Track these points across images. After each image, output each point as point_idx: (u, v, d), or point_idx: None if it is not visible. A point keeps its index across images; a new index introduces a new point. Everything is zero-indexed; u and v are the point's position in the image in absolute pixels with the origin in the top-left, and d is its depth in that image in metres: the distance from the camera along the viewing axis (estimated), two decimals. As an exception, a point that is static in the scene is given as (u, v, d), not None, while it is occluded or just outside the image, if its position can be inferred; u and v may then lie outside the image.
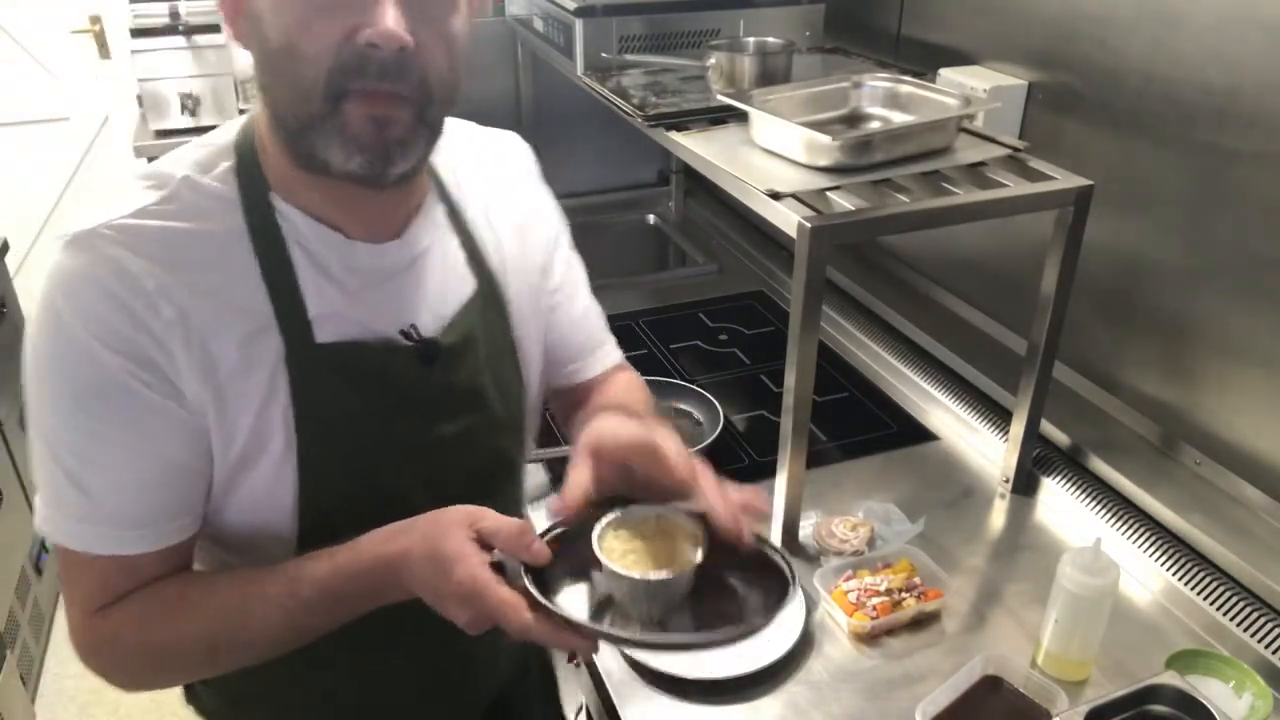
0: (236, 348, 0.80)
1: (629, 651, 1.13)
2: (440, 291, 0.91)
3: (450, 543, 0.77)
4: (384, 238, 0.87)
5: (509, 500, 1.05)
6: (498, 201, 0.99)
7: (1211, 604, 1.19)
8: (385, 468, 0.89)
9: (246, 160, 0.83)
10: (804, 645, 1.17)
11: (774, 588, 0.83)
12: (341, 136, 0.76)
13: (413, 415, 0.89)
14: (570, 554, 0.82)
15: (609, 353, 1.14)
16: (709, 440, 1.52)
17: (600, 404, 1.05)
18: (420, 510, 0.81)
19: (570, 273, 1.09)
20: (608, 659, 1.17)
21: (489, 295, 0.95)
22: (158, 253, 0.78)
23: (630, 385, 1.13)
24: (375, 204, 0.85)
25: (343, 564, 0.81)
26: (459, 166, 0.97)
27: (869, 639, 1.19)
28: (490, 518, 0.79)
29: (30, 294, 2.78)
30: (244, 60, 3.52)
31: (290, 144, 0.80)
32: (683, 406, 1.66)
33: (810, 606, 1.22)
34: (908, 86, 1.39)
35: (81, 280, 0.77)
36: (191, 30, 3.39)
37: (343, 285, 0.85)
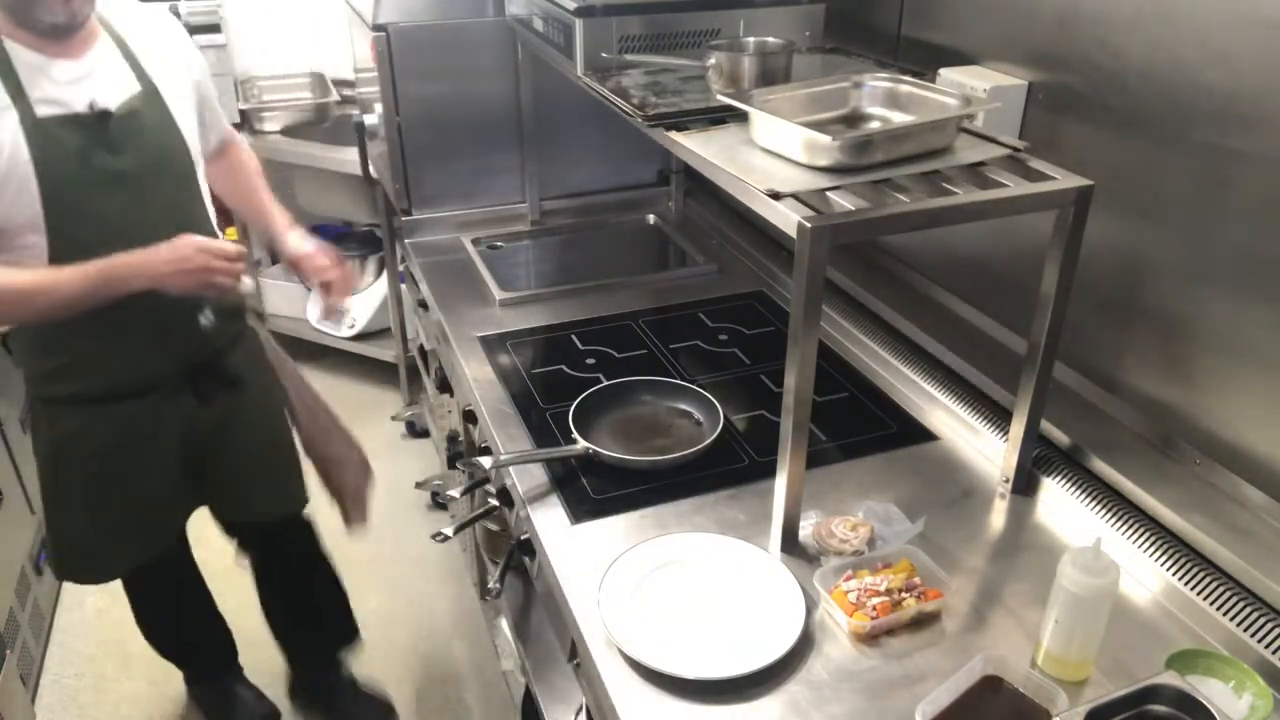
0: None
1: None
2: (113, 88, 1.53)
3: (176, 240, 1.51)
4: (71, 58, 1.49)
5: (201, 220, 1.68)
6: (152, 38, 1.63)
7: (1211, 604, 1.19)
8: (90, 181, 1.50)
9: None
10: (804, 645, 1.18)
11: None
12: (44, 6, 1.41)
13: (101, 151, 1.50)
14: None
15: (227, 131, 1.91)
16: (709, 440, 1.52)
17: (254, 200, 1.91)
18: (133, 187, 1.54)
19: (207, 85, 1.77)
20: (609, 659, 1.17)
21: (148, 90, 1.58)
22: None
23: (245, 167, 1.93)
24: (63, 39, 1.47)
25: (91, 268, 1.47)
26: (128, 22, 1.61)
27: (869, 639, 1.19)
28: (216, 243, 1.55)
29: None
30: (244, 61, 3.52)
31: (9, 14, 1.42)
32: (683, 406, 1.67)
33: (810, 606, 1.22)
34: (908, 86, 1.39)
35: None
36: (192, 30, 3.38)
37: (51, 84, 1.46)
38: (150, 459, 1.74)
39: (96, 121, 1.49)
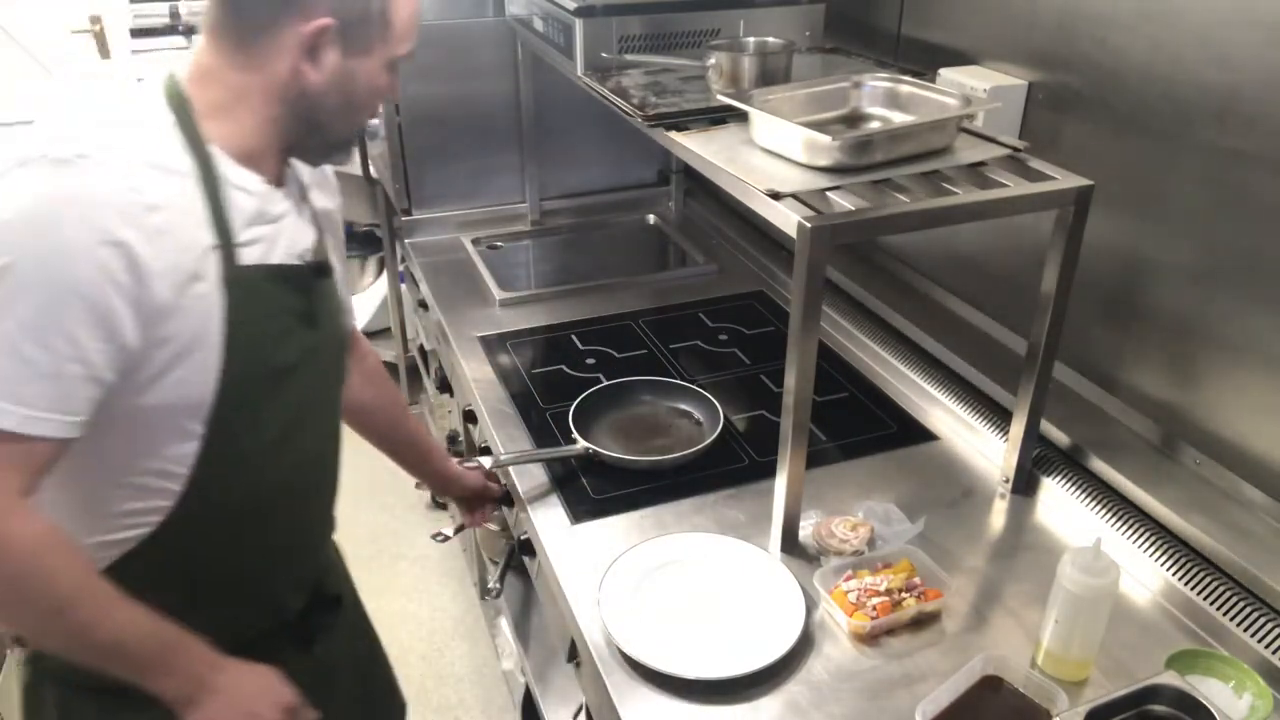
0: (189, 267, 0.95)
1: None
2: (304, 230, 1.12)
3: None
4: (276, 182, 1.08)
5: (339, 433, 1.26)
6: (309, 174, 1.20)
7: (1211, 604, 1.19)
8: (278, 362, 1.06)
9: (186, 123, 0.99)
10: (804, 645, 1.18)
11: None
12: (351, 147, 1.17)
13: (297, 321, 1.08)
14: None
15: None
16: (709, 440, 1.52)
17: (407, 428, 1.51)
18: (308, 383, 1.11)
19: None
20: (609, 659, 1.17)
21: (318, 236, 1.16)
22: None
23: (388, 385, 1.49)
24: (283, 165, 1.09)
25: (181, 641, 1.02)
26: None
27: (869, 639, 1.19)
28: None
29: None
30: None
31: (311, 148, 1.09)
32: (683, 406, 1.66)
33: (810, 606, 1.22)
34: (908, 86, 1.39)
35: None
36: (191, 30, 3.39)
37: (259, 220, 1.03)
38: None
39: (309, 277, 1.09)
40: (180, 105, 0.99)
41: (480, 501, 1.61)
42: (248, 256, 1.00)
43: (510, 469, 1.52)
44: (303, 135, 1.05)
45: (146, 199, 0.91)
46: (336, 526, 1.32)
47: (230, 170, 1.00)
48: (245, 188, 1.01)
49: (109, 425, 0.94)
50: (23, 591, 0.92)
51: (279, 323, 1.06)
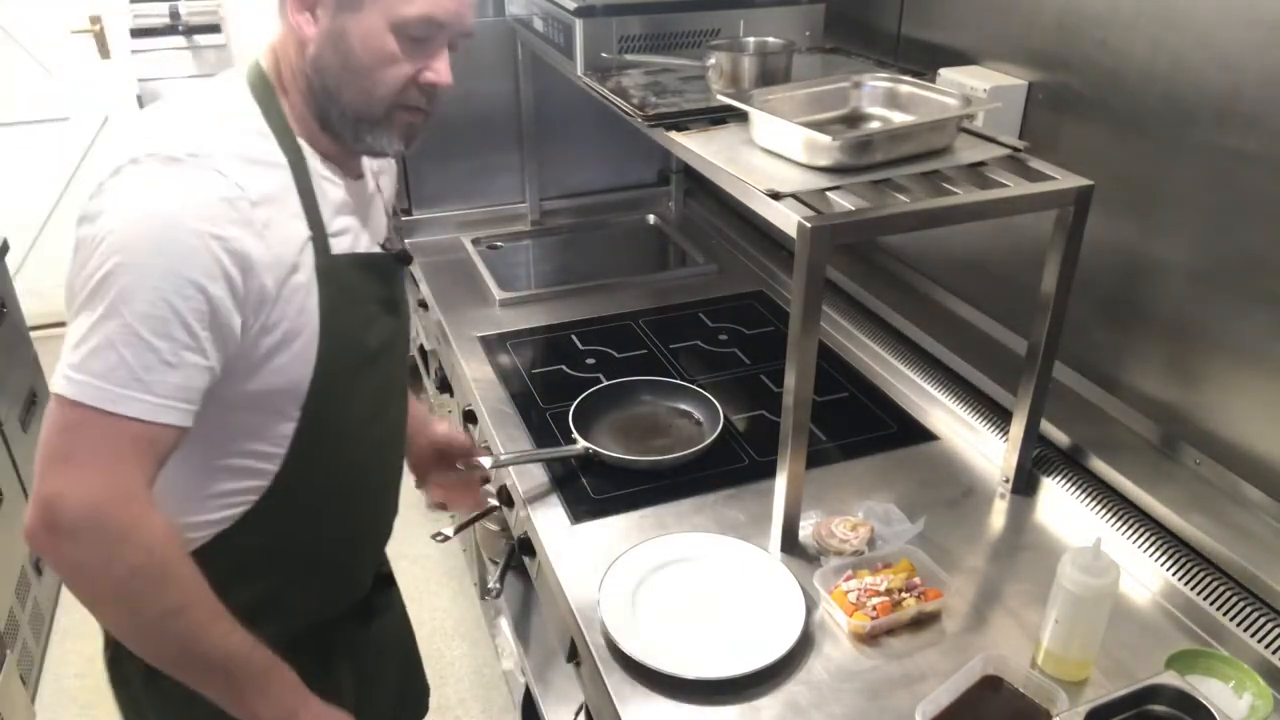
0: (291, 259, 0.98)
1: None
2: (380, 220, 1.16)
3: None
4: (357, 175, 1.11)
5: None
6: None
7: (1211, 604, 1.19)
8: (368, 345, 1.10)
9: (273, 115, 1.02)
10: (804, 645, 1.17)
11: None
12: (388, 133, 1.05)
13: (382, 308, 1.12)
14: None
15: None
16: (709, 440, 1.52)
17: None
18: (388, 367, 1.14)
19: None
20: (609, 659, 1.17)
21: (389, 222, 1.20)
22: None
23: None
24: (357, 156, 1.11)
25: (276, 677, 1.02)
26: None
27: (869, 639, 1.19)
28: None
29: (31, 294, 2.77)
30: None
31: (336, 122, 1.03)
32: (683, 406, 1.66)
33: (810, 606, 1.22)
34: (908, 86, 1.39)
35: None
36: (191, 30, 3.39)
37: (346, 210, 1.06)
38: None
39: (392, 265, 1.14)
40: (264, 96, 1.01)
41: (463, 460, 1.50)
42: (338, 246, 1.03)
43: (510, 469, 1.52)
44: (327, 109, 1.03)
45: (251, 195, 0.94)
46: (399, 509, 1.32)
47: (315, 162, 1.03)
48: (331, 178, 1.04)
49: (214, 411, 0.96)
50: (141, 585, 0.92)
51: (366, 310, 1.09)
